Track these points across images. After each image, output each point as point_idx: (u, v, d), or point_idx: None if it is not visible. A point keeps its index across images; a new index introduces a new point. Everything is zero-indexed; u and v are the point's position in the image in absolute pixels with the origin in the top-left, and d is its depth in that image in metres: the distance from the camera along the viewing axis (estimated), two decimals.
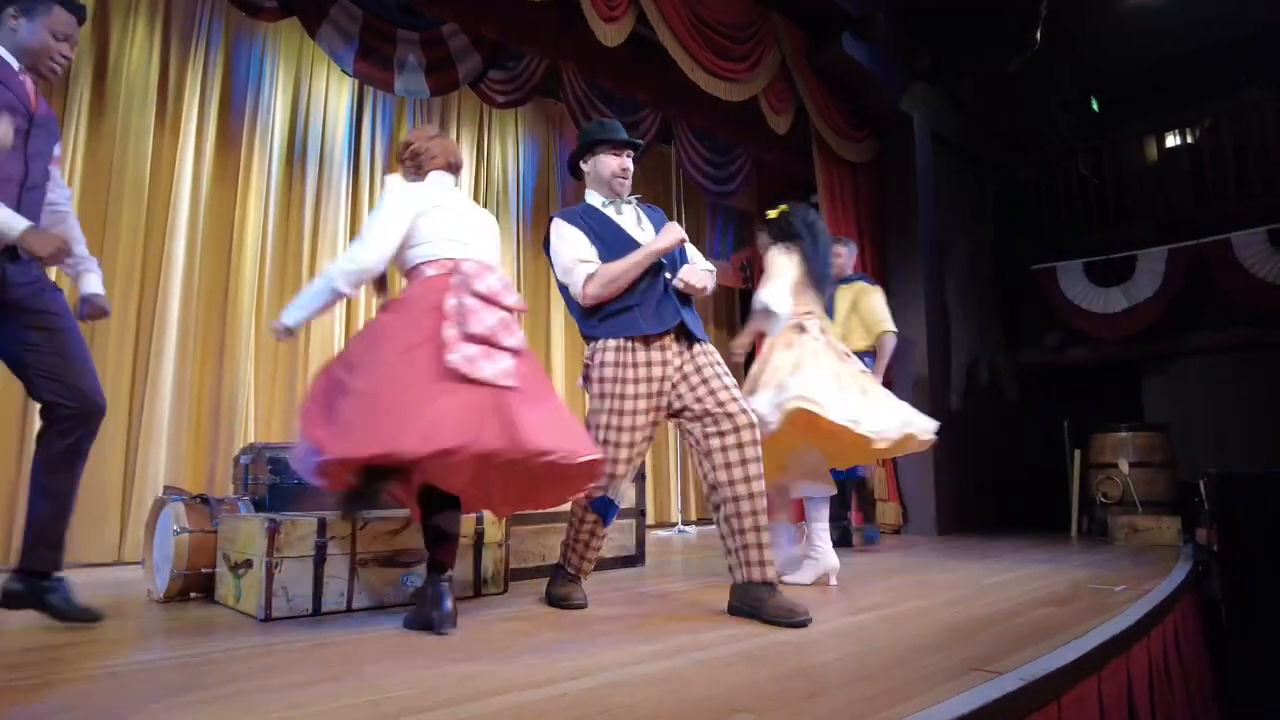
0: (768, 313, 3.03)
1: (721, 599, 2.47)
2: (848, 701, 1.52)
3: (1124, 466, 5.16)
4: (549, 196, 6.09)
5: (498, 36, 4.37)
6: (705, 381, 2.47)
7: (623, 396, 2.45)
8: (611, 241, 2.55)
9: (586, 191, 2.72)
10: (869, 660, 1.85)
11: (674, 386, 2.50)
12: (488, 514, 2.87)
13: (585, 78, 5.09)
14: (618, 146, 2.65)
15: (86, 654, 1.90)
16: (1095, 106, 8.54)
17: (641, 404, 2.47)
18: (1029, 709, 1.65)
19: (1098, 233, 6.50)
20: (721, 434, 2.39)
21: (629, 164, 2.66)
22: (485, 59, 4.80)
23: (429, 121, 5.29)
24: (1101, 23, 7.45)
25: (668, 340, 2.51)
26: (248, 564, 2.41)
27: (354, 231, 4.79)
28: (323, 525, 2.44)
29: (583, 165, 2.71)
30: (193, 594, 2.65)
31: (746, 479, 2.36)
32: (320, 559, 2.42)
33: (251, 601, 2.36)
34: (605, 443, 2.44)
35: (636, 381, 2.47)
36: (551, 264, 2.65)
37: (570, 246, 2.54)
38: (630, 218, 2.66)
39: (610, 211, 2.63)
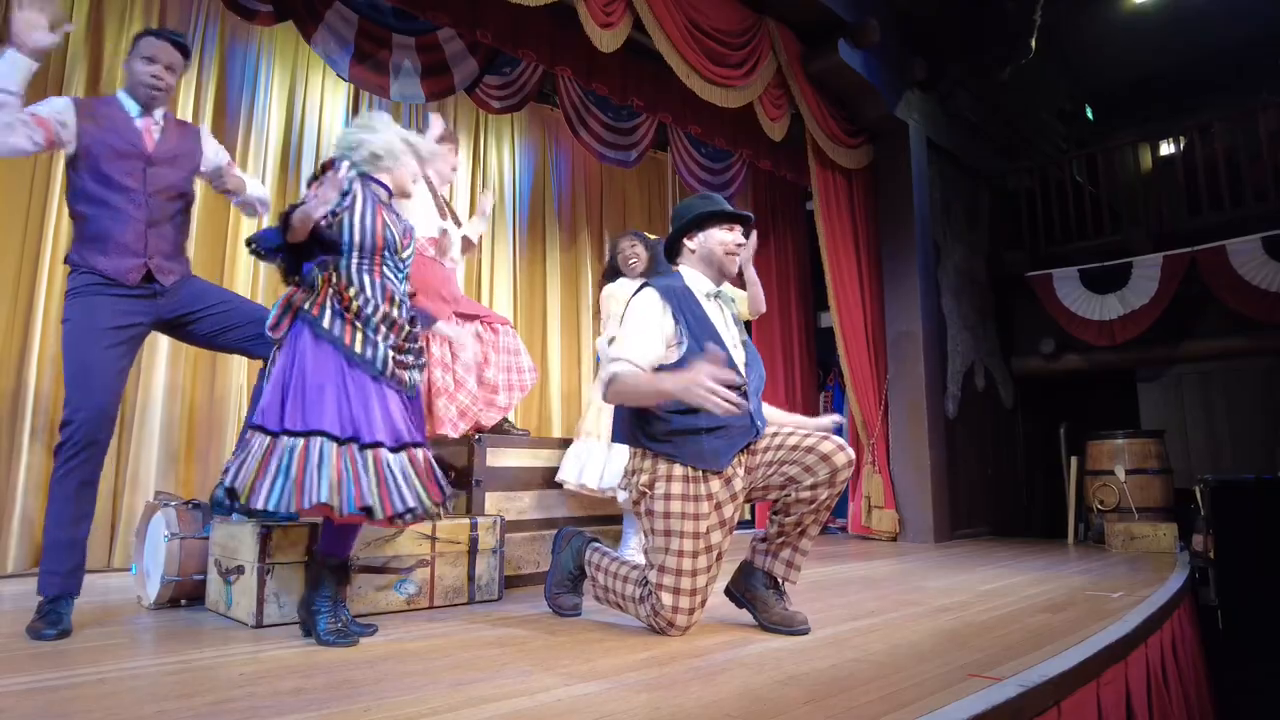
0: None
1: (716, 605, 2.45)
2: (844, 708, 1.50)
3: (1120, 473, 5.15)
4: (545, 202, 6.08)
5: (493, 42, 4.36)
6: (781, 448, 2.22)
7: (696, 535, 2.17)
8: (701, 338, 2.23)
9: (683, 269, 2.41)
10: (866, 667, 1.83)
11: (763, 478, 2.25)
12: (482, 520, 2.85)
13: (581, 83, 5.10)
14: (731, 221, 2.38)
15: (75, 661, 1.88)
16: (1090, 115, 8.59)
17: (715, 537, 2.21)
18: (1028, 715, 1.64)
19: (1092, 240, 6.52)
20: (812, 468, 2.17)
21: (744, 240, 2.40)
22: (481, 64, 4.80)
23: (423, 128, 5.28)
24: (1096, 32, 7.51)
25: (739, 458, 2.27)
26: (239, 570, 2.38)
27: None
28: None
29: (687, 242, 2.40)
30: (183, 601, 2.62)
31: (829, 506, 2.21)
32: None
33: (243, 608, 2.33)
34: (678, 590, 2.15)
35: (710, 515, 2.20)
36: (609, 297, 2.55)
37: (644, 328, 2.21)
38: (729, 315, 2.40)
39: (711, 307, 2.34)
